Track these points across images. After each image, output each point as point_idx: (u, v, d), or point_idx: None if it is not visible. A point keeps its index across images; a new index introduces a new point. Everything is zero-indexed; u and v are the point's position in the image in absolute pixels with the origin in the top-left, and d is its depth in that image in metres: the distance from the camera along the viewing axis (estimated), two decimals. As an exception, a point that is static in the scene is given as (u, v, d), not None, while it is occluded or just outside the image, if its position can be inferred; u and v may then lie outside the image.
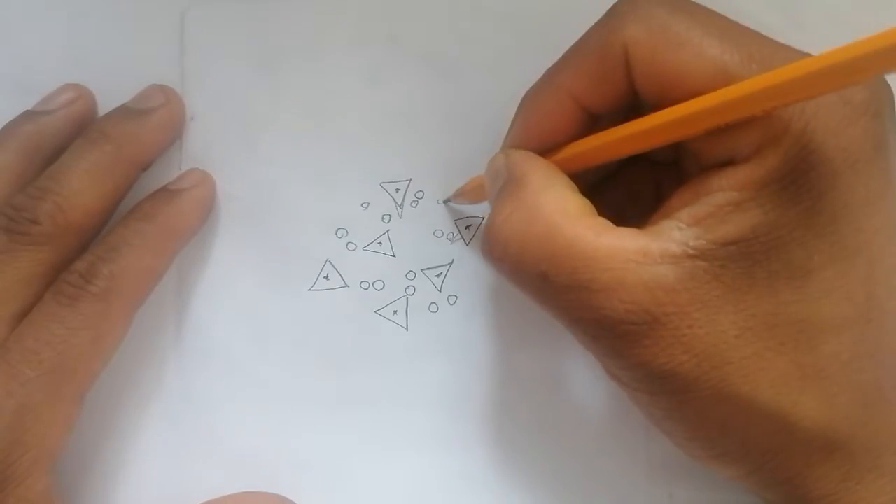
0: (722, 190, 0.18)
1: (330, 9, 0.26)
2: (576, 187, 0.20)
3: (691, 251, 0.18)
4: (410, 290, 0.25)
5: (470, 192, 0.24)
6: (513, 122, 0.22)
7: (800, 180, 0.17)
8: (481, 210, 0.25)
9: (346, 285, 0.25)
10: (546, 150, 0.21)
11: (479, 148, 0.24)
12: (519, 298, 0.25)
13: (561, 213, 0.19)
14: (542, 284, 0.19)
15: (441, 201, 0.25)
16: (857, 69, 0.15)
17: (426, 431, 0.24)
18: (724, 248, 0.18)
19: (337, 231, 0.26)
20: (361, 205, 0.26)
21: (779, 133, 0.17)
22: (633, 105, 0.20)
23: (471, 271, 0.25)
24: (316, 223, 0.25)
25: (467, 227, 0.25)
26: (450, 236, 0.25)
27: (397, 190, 0.26)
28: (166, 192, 0.25)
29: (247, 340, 0.25)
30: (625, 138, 0.19)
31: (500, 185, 0.21)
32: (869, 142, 0.18)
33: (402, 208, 0.26)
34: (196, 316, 0.25)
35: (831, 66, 0.16)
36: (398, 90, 0.26)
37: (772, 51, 0.18)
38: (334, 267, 0.25)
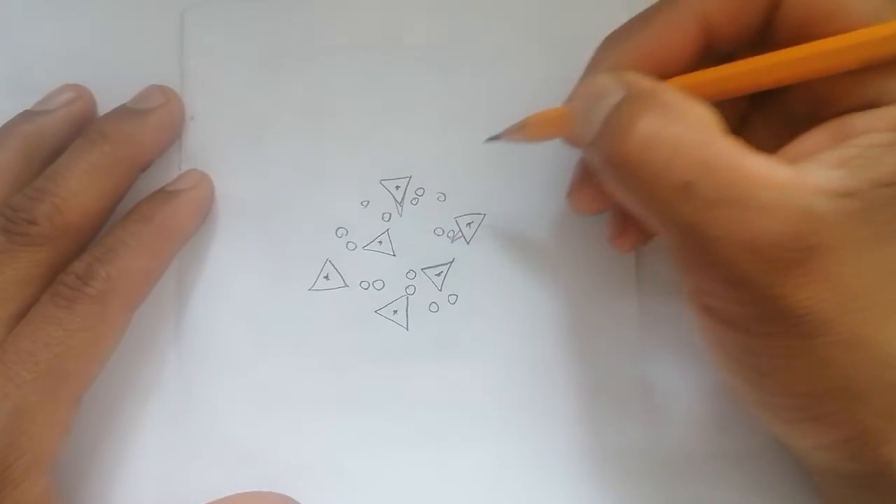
0: (872, 131, 0.17)
1: (329, 8, 0.26)
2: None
3: (846, 188, 0.17)
4: (410, 290, 0.25)
5: (534, 128, 0.22)
6: (606, 47, 0.21)
7: None
8: (483, 207, 0.25)
9: (346, 285, 0.25)
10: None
11: (479, 143, 0.24)
12: (519, 298, 0.25)
13: (711, 127, 0.18)
14: (685, 195, 0.17)
15: (486, 140, 0.24)
16: None
17: (426, 431, 0.24)
18: (879, 189, 0.17)
19: (337, 230, 0.25)
20: (361, 203, 0.25)
21: None
22: (747, 48, 0.19)
23: (471, 270, 0.25)
24: (316, 222, 0.25)
25: (468, 225, 0.25)
26: (450, 234, 0.25)
27: (397, 187, 0.26)
28: (164, 194, 0.24)
29: (246, 341, 0.25)
30: (783, 63, 0.18)
31: (613, 102, 0.19)
32: None
33: (402, 206, 0.25)
34: (195, 316, 0.25)
35: None
36: (397, 87, 0.26)
37: None
38: (334, 266, 0.25)
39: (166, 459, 0.24)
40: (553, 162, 0.25)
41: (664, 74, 0.20)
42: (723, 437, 0.23)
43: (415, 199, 0.25)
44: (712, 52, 0.20)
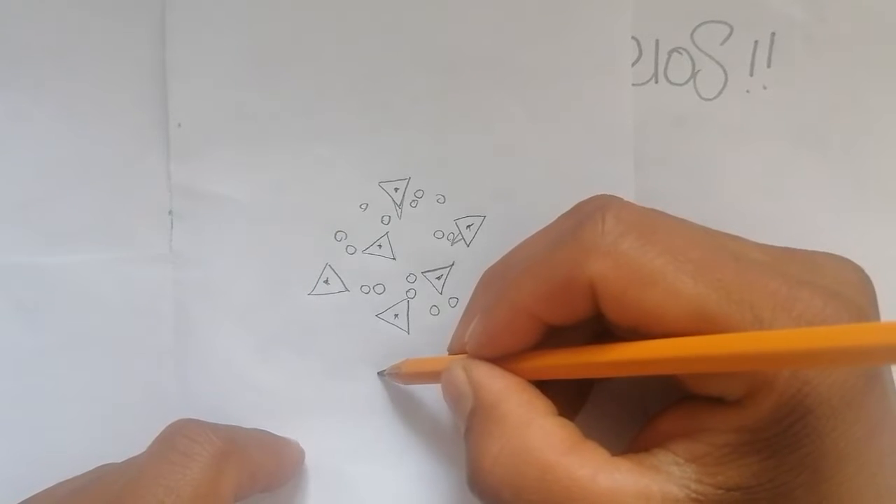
0: (717, 430, 0.17)
1: (325, 6, 0.25)
2: (554, 407, 0.19)
3: (694, 495, 0.17)
4: (411, 293, 0.25)
5: (410, 377, 0.23)
6: (467, 311, 0.22)
7: (797, 424, 0.17)
8: (483, 209, 0.25)
9: (347, 289, 0.25)
10: (506, 357, 0.20)
11: (478, 144, 0.24)
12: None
13: (551, 449, 0.18)
14: None
15: (378, 372, 0.25)
16: (858, 356, 0.14)
17: (428, 436, 0.24)
18: (728, 493, 0.17)
19: (336, 234, 0.25)
20: (360, 206, 0.25)
21: (770, 377, 0.17)
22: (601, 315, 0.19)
23: (472, 273, 0.24)
24: (315, 226, 0.25)
25: (468, 227, 0.25)
26: (450, 237, 0.25)
27: (396, 189, 0.25)
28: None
29: (246, 346, 0.25)
30: (598, 364, 0.18)
31: (468, 408, 0.20)
32: (862, 375, 0.17)
33: (401, 208, 0.25)
34: (195, 322, 0.25)
35: (828, 350, 0.14)
36: (395, 87, 0.25)
37: (750, 282, 0.17)
38: (334, 271, 0.25)
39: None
40: (553, 164, 0.24)
41: (520, 349, 0.20)
42: None
43: (414, 201, 0.25)
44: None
